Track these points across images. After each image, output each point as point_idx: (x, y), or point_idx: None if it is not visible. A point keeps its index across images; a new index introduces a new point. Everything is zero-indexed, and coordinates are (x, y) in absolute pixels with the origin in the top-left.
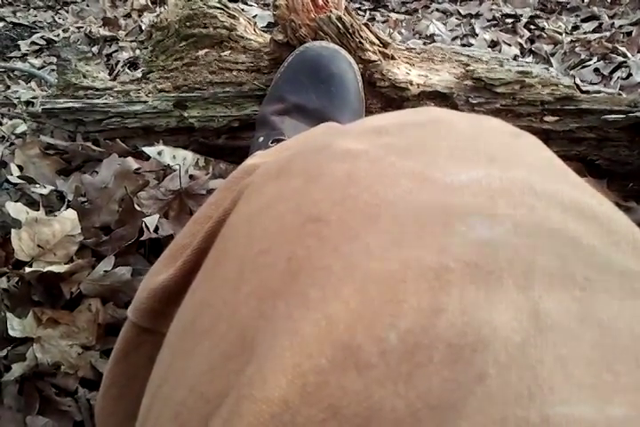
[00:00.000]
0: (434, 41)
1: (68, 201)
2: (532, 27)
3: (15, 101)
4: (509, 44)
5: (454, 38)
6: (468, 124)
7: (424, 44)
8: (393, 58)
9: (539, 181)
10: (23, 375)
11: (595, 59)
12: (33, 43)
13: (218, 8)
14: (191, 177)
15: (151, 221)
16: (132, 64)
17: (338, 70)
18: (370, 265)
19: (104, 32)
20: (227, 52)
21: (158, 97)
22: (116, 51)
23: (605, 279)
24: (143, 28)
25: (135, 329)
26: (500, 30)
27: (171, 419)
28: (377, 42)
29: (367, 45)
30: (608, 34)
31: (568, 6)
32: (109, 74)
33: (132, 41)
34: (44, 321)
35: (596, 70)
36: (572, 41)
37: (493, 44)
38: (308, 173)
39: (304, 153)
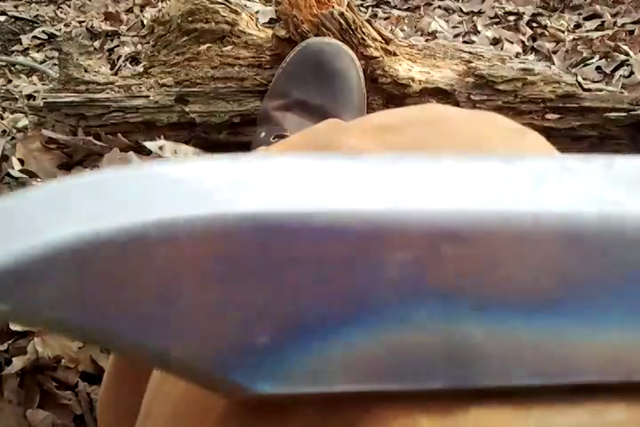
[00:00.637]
0: (436, 38)
1: None
2: (535, 24)
3: (17, 95)
4: (511, 42)
5: (456, 35)
6: (471, 121)
7: (426, 41)
8: (395, 54)
9: None
10: (24, 369)
11: (597, 57)
12: (35, 37)
13: (220, 3)
14: None
15: None
16: (134, 59)
17: (340, 66)
18: None
19: (106, 27)
20: (228, 48)
21: (160, 92)
22: (117, 45)
23: None
24: (145, 22)
25: None
26: (502, 28)
27: (171, 416)
28: (379, 38)
29: (369, 42)
30: (610, 32)
31: (570, 4)
32: (111, 68)
33: (133, 36)
34: None
35: (598, 68)
36: (574, 39)
37: (495, 42)
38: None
39: (307, 150)
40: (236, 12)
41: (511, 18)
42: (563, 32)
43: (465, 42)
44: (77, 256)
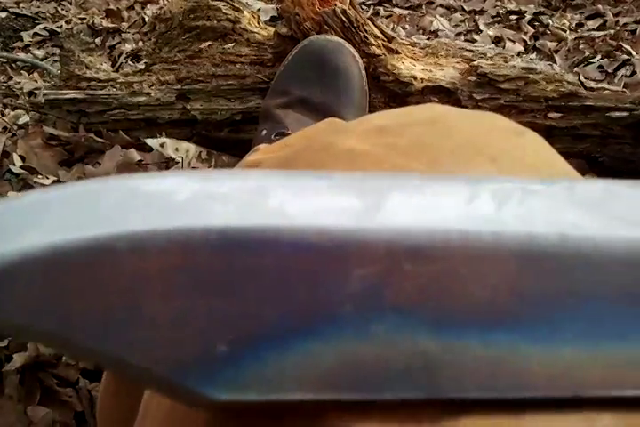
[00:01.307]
0: (437, 37)
1: None
2: (537, 23)
3: (18, 92)
4: (513, 41)
5: (458, 34)
6: (470, 122)
7: (428, 39)
8: (397, 52)
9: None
10: (24, 366)
11: (599, 56)
12: (36, 34)
13: (222, 0)
14: (193, 170)
15: None
16: (135, 56)
17: (342, 64)
18: None
19: (107, 24)
20: (230, 45)
21: (161, 89)
22: (119, 42)
23: None
24: (146, 19)
25: None
26: (504, 27)
27: (164, 417)
28: (381, 36)
29: (371, 39)
30: (612, 31)
31: (572, 3)
32: (112, 65)
33: (135, 33)
34: None
35: (600, 68)
36: (576, 38)
37: (497, 41)
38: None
39: (306, 151)
40: (237, 10)
41: (513, 17)
42: (565, 31)
43: (467, 40)
44: (47, 264)
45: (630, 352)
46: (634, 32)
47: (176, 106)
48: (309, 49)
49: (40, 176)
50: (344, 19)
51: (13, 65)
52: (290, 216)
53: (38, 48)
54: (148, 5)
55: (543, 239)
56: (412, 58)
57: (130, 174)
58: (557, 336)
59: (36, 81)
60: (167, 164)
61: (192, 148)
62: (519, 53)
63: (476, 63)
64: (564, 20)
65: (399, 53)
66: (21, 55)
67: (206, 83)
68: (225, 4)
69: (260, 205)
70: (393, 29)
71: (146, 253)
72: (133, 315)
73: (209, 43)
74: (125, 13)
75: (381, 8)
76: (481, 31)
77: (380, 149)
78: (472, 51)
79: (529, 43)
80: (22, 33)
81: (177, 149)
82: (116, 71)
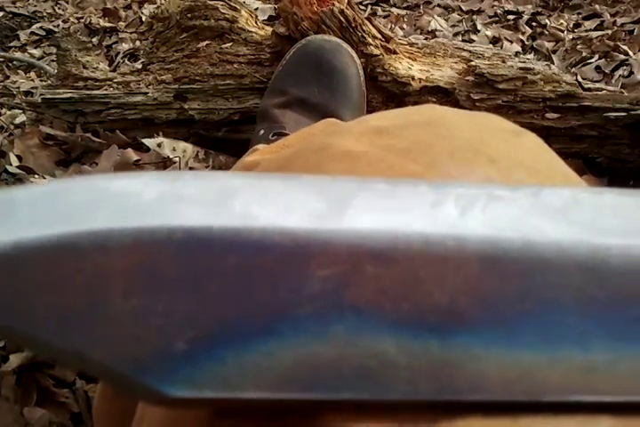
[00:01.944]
0: (435, 37)
1: None
2: (534, 24)
3: (14, 92)
4: (511, 41)
5: (456, 34)
6: (469, 123)
7: (425, 39)
8: (395, 52)
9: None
10: (21, 366)
11: (596, 56)
12: (32, 33)
13: (219, 0)
14: (191, 169)
15: None
16: (133, 55)
17: (340, 64)
18: None
19: (104, 23)
20: (228, 45)
21: (158, 88)
22: (116, 42)
23: None
24: (144, 19)
25: None
26: (502, 27)
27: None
28: (379, 36)
29: (369, 39)
30: (610, 32)
31: (570, 4)
32: (109, 65)
33: (132, 32)
34: None
35: (598, 68)
36: (573, 38)
37: (495, 41)
38: (308, 174)
39: (304, 152)
40: (235, 9)
41: (511, 17)
42: (562, 31)
43: (464, 41)
44: (10, 261)
45: (589, 357)
46: (631, 32)
47: (173, 105)
48: (307, 49)
49: (37, 176)
50: (342, 19)
51: (10, 64)
52: (254, 217)
53: (35, 47)
54: (146, 4)
55: (507, 244)
56: (409, 58)
57: (99, 175)
58: (516, 340)
59: (33, 80)
60: (164, 164)
61: (189, 148)
62: (517, 54)
63: (473, 63)
64: (562, 21)
65: (397, 53)
66: (18, 54)
67: (204, 82)
68: (222, 3)
69: (225, 206)
70: (391, 29)
71: (109, 251)
72: (95, 312)
73: (206, 42)
74: (122, 13)
75: (379, 8)
76: (478, 31)
77: (377, 151)
78: (470, 51)
79: (526, 43)
80: (19, 32)
81: (174, 149)
82: (114, 71)
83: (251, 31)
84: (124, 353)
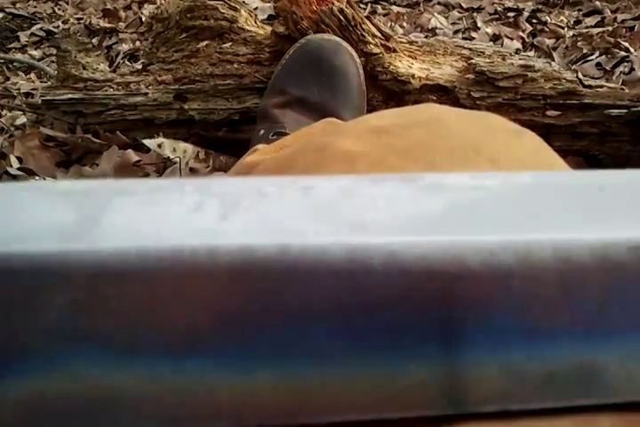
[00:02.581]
0: (435, 35)
1: None
2: (534, 21)
3: (14, 93)
4: (511, 38)
5: (456, 32)
6: (469, 123)
7: (426, 37)
8: (395, 51)
9: None
10: None
11: (597, 53)
12: (32, 34)
13: (219, 0)
14: (191, 170)
15: None
16: (133, 56)
17: (339, 63)
18: None
19: (104, 24)
20: (227, 45)
21: (158, 89)
22: (116, 42)
23: None
24: (143, 19)
25: None
26: (502, 24)
27: None
28: (379, 35)
29: (369, 38)
30: (610, 28)
31: (570, 0)
32: (109, 66)
33: (132, 33)
34: None
35: (598, 65)
36: (574, 35)
37: (495, 38)
38: (308, 174)
39: (303, 152)
40: (234, 9)
41: (511, 14)
42: (563, 28)
43: (465, 38)
44: None
45: (322, 374)
46: (632, 29)
47: (173, 106)
48: (307, 48)
49: (37, 177)
50: (341, 17)
51: (10, 65)
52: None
53: (35, 48)
54: (145, 5)
55: (262, 253)
56: (409, 56)
57: None
58: (252, 361)
59: (33, 82)
60: (165, 164)
61: (190, 148)
62: (517, 51)
63: (474, 61)
64: (562, 17)
65: (397, 52)
66: (18, 56)
67: (204, 82)
68: (222, 3)
69: None
70: (391, 28)
71: None
72: None
73: (206, 42)
74: (122, 13)
75: (379, 6)
76: (479, 29)
77: (377, 151)
78: (470, 49)
79: (527, 40)
80: (19, 33)
81: (174, 150)
82: (114, 71)
83: (250, 31)
84: None
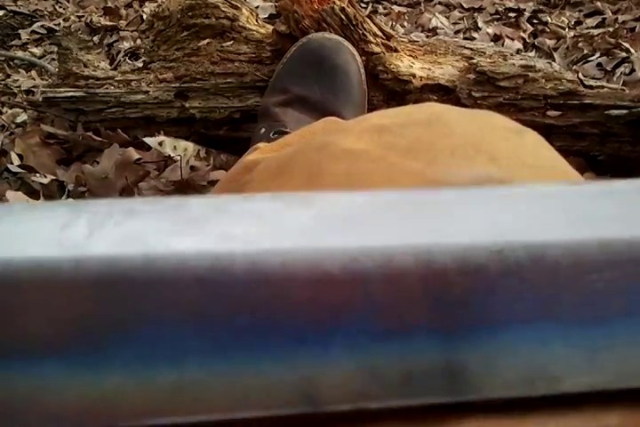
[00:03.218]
0: (436, 34)
1: (69, 191)
2: (535, 21)
3: (15, 90)
4: (512, 39)
5: (457, 32)
6: (470, 121)
7: (427, 37)
8: (396, 50)
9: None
10: None
11: (598, 54)
12: (33, 31)
13: None
14: (192, 168)
15: None
16: (134, 54)
17: (341, 62)
18: None
19: (105, 21)
20: (229, 43)
21: (159, 87)
22: (116, 40)
23: None
24: (144, 17)
25: None
26: (503, 24)
27: None
28: (380, 34)
29: (370, 37)
30: (611, 29)
31: (571, 1)
32: (110, 63)
33: (133, 31)
34: None
35: (599, 65)
36: (575, 36)
37: (496, 39)
38: (309, 173)
39: (305, 151)
40: (236, 8)
41: (512, 14)
42: (563, 29)
43: (466, 38)
44: None
45: (180, 376)
46: (633, 30)
47: (174, 104)
48: (308, 47)
49: (38, 175)
50: (343, 16)
51: (11, 63)
52: None
53: (36, 46)
54: (146, 3)
55: (128, 262)
56: (410, 56)
57: None
58: (105, 365)
59: (34, 79)
60: (165, 162)
61: (190, 146)
62: (518, 51)
63: (474, 61)
64: (563, 18)
65: (398, 51)
66: (19, 53)
67: (205, 81)
68: (223, 1)
69: None
70: (392, 27)
71: None
72: None
73: (207, 40)
74: (123, 11)
75: (380, 6)
76: (480, 29)
77: (378, 149)
78: (471, 48)
79: (528, 40)
80: (20, 31)
81: (175, 148)
82: (114, 69)
83: (252, 29)
84: None
